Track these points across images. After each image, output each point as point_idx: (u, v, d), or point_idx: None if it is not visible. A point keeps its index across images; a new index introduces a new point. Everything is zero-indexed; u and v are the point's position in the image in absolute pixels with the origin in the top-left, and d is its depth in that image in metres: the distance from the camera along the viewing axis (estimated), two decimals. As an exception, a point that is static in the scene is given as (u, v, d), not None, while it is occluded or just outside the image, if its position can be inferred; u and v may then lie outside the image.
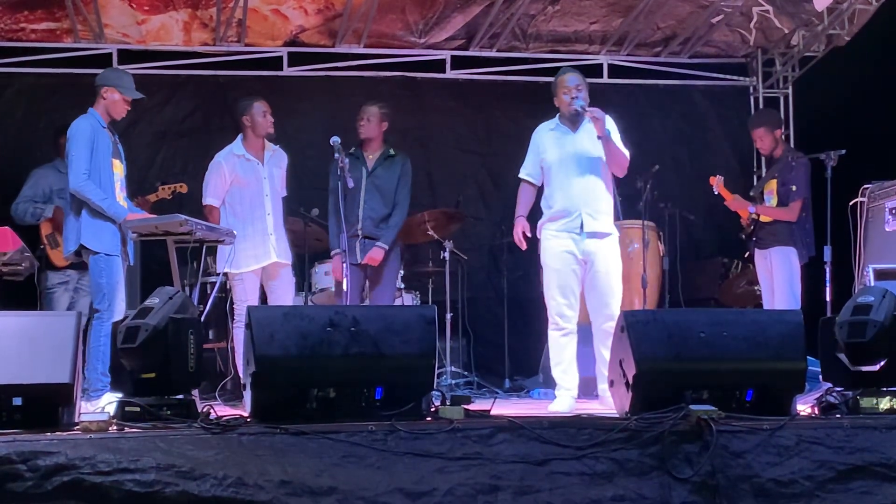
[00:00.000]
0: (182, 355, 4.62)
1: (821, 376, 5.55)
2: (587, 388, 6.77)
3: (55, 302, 7.77)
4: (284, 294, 7.34)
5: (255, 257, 7.21)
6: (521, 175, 6.75)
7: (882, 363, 4.99)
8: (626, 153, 6.52)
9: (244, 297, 7.19)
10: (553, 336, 6.50)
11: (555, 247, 6.48)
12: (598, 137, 6.40)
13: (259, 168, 7.33)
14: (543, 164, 6.63)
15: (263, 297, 7.37)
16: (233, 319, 7.34)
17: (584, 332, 6.62)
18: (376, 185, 7.55)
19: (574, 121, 6.57)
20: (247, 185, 7.28)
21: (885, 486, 4.50)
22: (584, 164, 6.49)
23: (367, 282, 7.66)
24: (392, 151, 7.70)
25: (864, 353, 5.01)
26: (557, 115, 6.67)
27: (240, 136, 7.42)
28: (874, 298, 5.03)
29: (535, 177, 6.70)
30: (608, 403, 5.90)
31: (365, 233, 7.52)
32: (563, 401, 6.35)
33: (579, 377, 6.55)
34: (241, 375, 7.19)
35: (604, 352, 6.27)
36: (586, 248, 6.43)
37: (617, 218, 6.77)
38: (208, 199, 7.30)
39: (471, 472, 4.28)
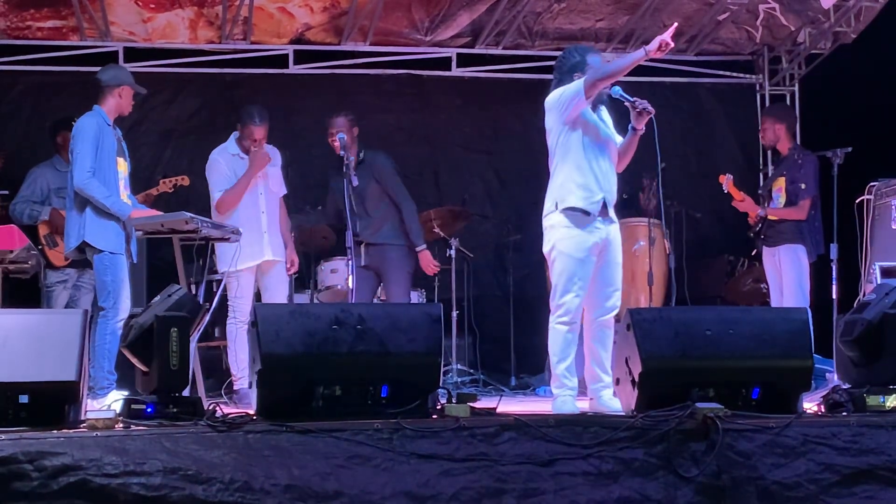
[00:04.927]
0: (164, 353, 4.60)
1: (835, 374, 5.55)
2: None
3: (54, 300, 7.77)
4: (278, 290, 7.38)
5: (251, 255, 7.22)
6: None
7: (873, 360, 5.00)
8: None
9: (239, 294, 7.24)
10: (560, 331, 5.90)
11: (575, 235, 5.84)
12: (634, 129, 5.93)
13: None
14: (573, 133, 5.92)
15: (257, 295, 7.39)
16: (226, 316, 7.38)
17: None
18: (357, 191, 7.34)
19: (594, 103, 5.99)
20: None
21: (889, 490, 4.48)
22: (607, 149, 5.99)
23: (381, 284, 7.70)
24: (362, 154, 7.62)
25: (853, 351, 5.03)
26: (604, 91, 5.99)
27: (234, 136, 7.45)
28: (876, 296, 5.04)
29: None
30: (607, 406, 5.77)
31: (365, 239, 7.49)
32: (570, 402, 5.87)
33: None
34: (234, 373, 7.25)
35: (598, 348, 5.94)
36: (604, 235, 5.91)
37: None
38: (218, 193, 7.30)
39: (476, 475, 4.27)
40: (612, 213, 6.00)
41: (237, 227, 6.89)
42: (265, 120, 7.35)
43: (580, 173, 5.89)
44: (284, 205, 7.57)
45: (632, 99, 5.89)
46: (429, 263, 7.77)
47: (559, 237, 5.89)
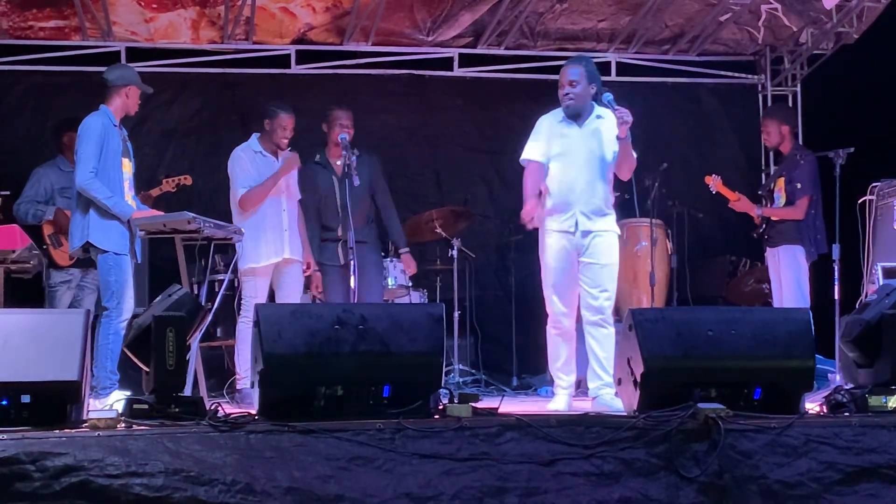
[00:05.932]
0: (160, 353, 4.61)
1: (837, 375, 5.55)
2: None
3: (58, 300, 7.78)
4: (293, 291, 7.37)
5: (274, 252, 7.27)
6: (528, 157, 6.43)
7: (872, 361, 5.00)
8: (635, 156, 6.34)
9: (254, 294, 7.23)
10: (550, 335, 6.39)
11: (552, 244, 6.33)
12: (619, 138, 6.18)
13: (275, 165, 7.38)
14: (549, 154, 6.39)
15: (271, 295, 7.38)
16: (238, 315, 7.36)
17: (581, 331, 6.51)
18: (350, 191, 7.28)
19: (579, 117, 6.35)
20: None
21: (892, 488, 4.48)
22: (586, 162, 6.29)
23: (355, 282, 7.65)
24: (357, 152, 7.57)
25: (854, 351, 5.03)
26: (561, 108, 6.40)
27: (256, 135, 7.47)
28: (877, 297, 5.05)
29: (545, 157, 6.37)
30: (609, 406, 5.90)
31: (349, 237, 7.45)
32: (562, 399, 6.29)
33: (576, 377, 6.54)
34: (239, 373, 7.25)
35: (596, 349, 6.22)
36: (581, 242, 6.27)
37: (619, 217, 6.70)
38: (241, 189, 7.29)
39: (478, 474, 4.27)
40: (591, 222, 6.28)
41: (239, 228, 6.89)
42: (292, 111, 7.47)
43: (551, 188, 6.37)
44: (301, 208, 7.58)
45: (615, 108, 6.17)
46: (411, 264, 7.95)
47: (544, 247, 6.39)
